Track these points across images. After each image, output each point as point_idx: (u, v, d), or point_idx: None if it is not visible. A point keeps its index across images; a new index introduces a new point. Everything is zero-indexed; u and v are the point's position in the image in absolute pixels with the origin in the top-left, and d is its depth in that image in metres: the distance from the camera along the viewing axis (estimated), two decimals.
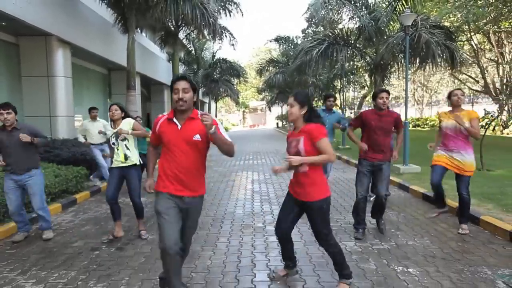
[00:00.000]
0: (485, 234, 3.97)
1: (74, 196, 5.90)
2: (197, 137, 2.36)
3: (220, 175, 8.43)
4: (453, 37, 11.92)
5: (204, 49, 26.12)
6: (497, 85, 22.62)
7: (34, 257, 3.58)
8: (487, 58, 24.13)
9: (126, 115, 4.16)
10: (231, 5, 18.16)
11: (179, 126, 2.39)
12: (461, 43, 21.84)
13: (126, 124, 4.07)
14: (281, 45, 24.82)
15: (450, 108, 4.17)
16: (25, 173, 3.92)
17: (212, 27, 13.46)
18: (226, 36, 18.98)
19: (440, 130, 4.21)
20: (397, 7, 10.76)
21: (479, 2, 14.77)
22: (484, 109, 7.95)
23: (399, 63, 12.31)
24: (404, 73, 9.03)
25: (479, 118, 4.08)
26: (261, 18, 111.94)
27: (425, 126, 30.30)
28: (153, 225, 4.60)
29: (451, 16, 16.97)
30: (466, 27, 19.14)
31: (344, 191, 6.36)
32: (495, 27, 18.84)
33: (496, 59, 21.85)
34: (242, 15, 17.28)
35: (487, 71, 22.80)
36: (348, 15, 12.54)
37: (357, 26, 12.17)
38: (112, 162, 4.08)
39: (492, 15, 17.32)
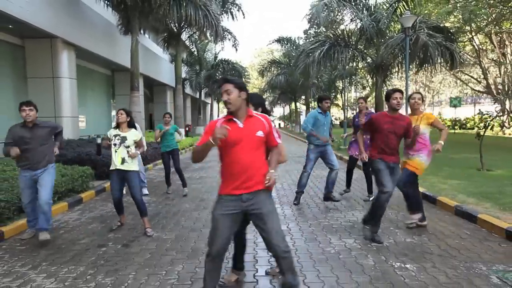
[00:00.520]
0: (482, 232, 4.06)
1: (80, 195, 6.03)
2: (260, 133, 2.33)
3: None
4: (453, 38, 12.00)
5: (206, 50, 26.28)
6: (499, 86, 22.63)
7: (43, 253, 3.71)
8: (489, 59, 24.14)
9: (131, 119, 4.44)
10: (233, 6, 18.28)
11: (241, 125, 2.32)
12: (462, 43, 21.89)
13: (133, 136, 4.36)
14: (283, 46, 24.93)
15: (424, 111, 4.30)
16: (42, 168, 4.02)
17: (215, 28, 13.60)
18: (229, 39, 19.13)
19: None
20: (398, 8, 10.85)
21: (480, 4, 14.84)
22: (479, 110, 7.99)
23: (399, 64, 12.40)
24: (404, 74, 9.13)
25: (436, 118, 4.23)
26: (263, 19, 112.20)
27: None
28: (157, 223, 4.72)
29: (451, 16, 17.03)
30: (468, 27, 19.19)
31: (352, 191, 6.45)
32: (497, 27, 18.87)
33: (498, 59, 21.87)
34: (244, 17, 17.40)
35: (488, 72, 22.81)
36: (349, 16, 12.66)
37: (358, 27, 12.27)
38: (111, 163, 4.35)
39: (493, 15, 17.37)
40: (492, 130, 8.47)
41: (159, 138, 6.42)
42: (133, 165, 4.31)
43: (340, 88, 24.95)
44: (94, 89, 15.05)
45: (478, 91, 27.48)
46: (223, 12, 18.53)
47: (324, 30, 19.64)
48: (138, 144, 4.42)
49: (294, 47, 23.66)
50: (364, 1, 12.24)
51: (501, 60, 21.21)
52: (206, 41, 24.79)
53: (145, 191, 6.46)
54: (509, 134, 19.73)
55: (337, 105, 32.98)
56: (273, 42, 24.46)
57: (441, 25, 12.17)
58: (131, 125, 4.42)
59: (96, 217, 5.07)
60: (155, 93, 22.74)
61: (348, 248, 3.67)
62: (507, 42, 20.95)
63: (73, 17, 10.55)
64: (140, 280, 3.03)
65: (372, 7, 12.39)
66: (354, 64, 14.42)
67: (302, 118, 29.81)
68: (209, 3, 13.32)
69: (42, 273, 3.21)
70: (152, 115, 22.91)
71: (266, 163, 2.42)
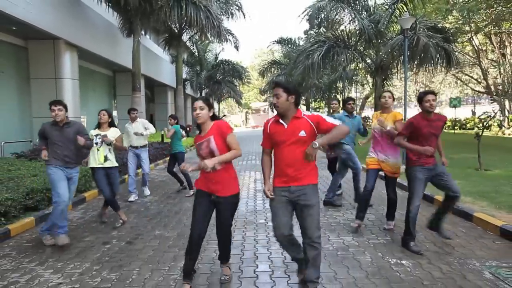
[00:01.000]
0: (477, 230, 4.15)
1: (83, 195, 6.14)
2: (302, 133, 2.57)
3: None
4: (451, 38, 12.11)
5: (207, 51, 26.38)
6: (499, 87, 22.71)
7: (49, 250, 3.81)
8: (489, 59, 24.22)
9: (112, 120, 4.86)
10: (234, 7, 18.38)
11: (286, 126, 2.62)
12: (462, 44, 21.97)
13: (113, 134, 4.74)
14: (284, 47, 25.01)
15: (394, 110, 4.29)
16: (74, 167, 4.07)
17: (217, 28, 13.69)
18: (229, 40, 19.22)
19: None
20: (397, 9, 10.95)
21: (478, 4, 14.94)
22: (472, 110, 8.02)
23: (398, 65, 12.50)
24: (403, 74, 9.22)
25: (402, 120, 4.19)
26: (264, 19, 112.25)
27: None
28: (159, 221, 4.82)
29: (450, 16, 17.13)
30: (467, 28, 19.28)
31: (344, 191, 6.54)
32: (496, 28, 18.95)
33: (498, 60, 21.94)
34: (244, 17, 17.50)
35: (488, 72, 22.89)
36: (348, 18, 12.75)
37: (356, 28, 12.37)
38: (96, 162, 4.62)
39: (493, 16, 17.46)
40: (489, 130, 8.56)
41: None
42: (115, 162, 4.74)
43: (340, 88, 25.03)
44: (95, 90, 15.16)
45: (478, 91, 27.54)
46: (223, 13, 18.64)
47: (325, 31, 19.75)
48: (117, 141, 4.80)
49: (294, 48, 23.75)
50: (363, 3, 12.32)
51: (501, 60, 21.28)
52: (207, 41, 24.88)
53: (147, 191, 6.54)
54: (509, 134, 19.80)
55: (338, 105, 33.22)
56: (274, 43, 24.53)
57: (439, 25, 12.26)
58: (111, 125, 4.83)
59: (99, 216, 5.17)
60: (156, 93, 22.85)
61: (346, 246, 3.76)
62: (506, 43, 21.03)
63: (75, 19, 10.67)
64: (144, 275, 3.13)
65: (372, 8, 12.49)
66: (354, 65, 14.53)
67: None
68: (210, 4, 13.43)
69: (49, 268, 3.31)
70: (153, 116, 23.02)
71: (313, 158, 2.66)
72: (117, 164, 4.80)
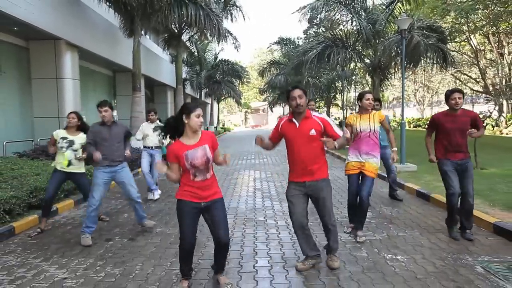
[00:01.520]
0: None
1: None
2: (313, 132, 2.94)
3: (224, 173, 8.79)
4: (448, 38, 12.23)
5: (206, 51, 26.46)
6: (496, 86, 22.83)
7: (53, 246, 3.90)
8: (487, 59, 24.34)
9: (82, 123, 4.50)
10: (233, 8, 18.45)
11: (297, 125, 2.99)
12: (459, 43, 22.07)
13: (81, 139, 4.40)
14: (283, 47, 25.11)
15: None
16: (119, 164, 4.18)
17: (217, 27, 13.75)
18: (229, 40, 19.30)
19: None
20: (394, 10, 11.05)
21: (474, 5, 15.06)
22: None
23: (396, 65, 12.60)
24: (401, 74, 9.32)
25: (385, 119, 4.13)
26: (263, 19, 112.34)
27: (426, 126, 30.49)
28: (161, 219, 4.91)
29: (446, 16, 17.25)
30: (465, 27, 19.38)
31: (342, 188, 6.65)
32: (494, 28, 19.06)
33: (496, 59, 22.07)
34: (244, 19, 17.57)
35: (485, 72, 23.02)
36: (345, 18, 12.84)
37: (355, 28, 12.46)
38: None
39: (491, 16, 17.57)
40: (484, 129, 8.62)
41: None
42: (80, 168, 4.48)
43: (340, 88, 25.13)
44: (96, 90, 15.24)
45: (477, 91, 27.66)
46: (223, 13, 18.70)
47: (324, 31, 19.85)
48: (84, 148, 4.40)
49: (293, 47, 23.85)
50: (361, 3, 12.41)
51: (499, 60, 21.41)
52: (207, 41, 24.99)
53: (157, 195, 6.29)
54: (507, 134, 19.91)
55: (337, 105, 33.23)
56: (273, 44, 24.63)
57: (435, 25, 12.36)
58: (81, 128, 4.47)
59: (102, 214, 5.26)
60: (155, 93, 22.91)
61: (343, 242, 3.86)
62: (504, 43, 21.14)
63: (76, 19, 10.73)
64: (147, 270, 3.23)
65: (370, 8, 12.58)
66: (353, 65, 14.61)
67: None
68: (209, 2, 13.49)
69: (54, 264, 3.40)
70: None
71: (323, 155, 3.08)
72: (83, 171, 4.51)
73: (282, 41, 24.11)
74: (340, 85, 24.71)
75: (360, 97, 4.01)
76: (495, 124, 18.62)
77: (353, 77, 24.40)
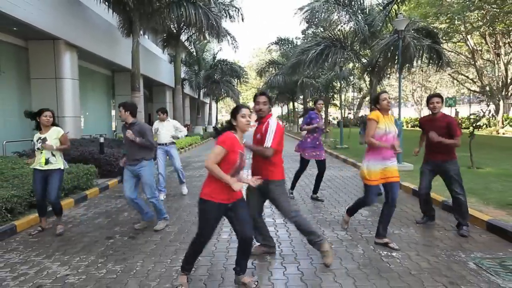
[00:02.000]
0: None
1: (85, 192, 6.28)
2: (258, 136, 3.27)
3: None
4: (443, 39, 12.35)
5: (205, 51, 26.50)
6: (493, 86, 22.99)
7: (55, 244, 3.96)
8: (484, 59, 24.50)
9: (54, 121, 4.44)
10: (232, 9, 18.49)
11: (256, 128, 3.36)
12: (455, 44, 22.20)
13: (54, 134, 4.30)
14: (281, 47, 25.19)
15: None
16: (137, 163, 4.29)
17: (216, 26, 13.80)
18: (228, 40, 19.35)
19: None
20: (391, 11, 11.15)
21: (466, 6, 15.22)
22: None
23: (392, 66, 12.70)
24: (398, 74, 9.40)
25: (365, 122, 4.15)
26: (262, 18, 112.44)
27: None
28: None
29: (440, 17, 17.40)
30: (462, 27, 19.52)
31: (339, 187, 6.73)
32: (490, 28, 19.21)
33: (493, 59, 22.22)
34: (243, 20, 17.60)
35: (482, 72, 23.18)
36: (343, 19, 12.93)
37: (352, 29, 12.56)
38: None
39: (487, 17, 17.70)
40: (478, 130, 8.74)
41: None
42: (58, 164, 4.31)
43: (338, 88, 25.22)
44: (95, 90, 15.29)
45: (474, 91, 27.84)
46: (223, 13, 18.73)
47: (322, 31, 19.92)
48: (61, 141, 4.34)
49: (292, 47, 23.92)
50: (358, 4, 12.50)
51: (496, 61, 21.56)
52: (205, 41, 25.02)
53: (185, 189, 6.34)
54: (503, 134, 20.07)
55: (335, 105, 33.40)
56: (272, 44, 24.71)
57: (430, 26, 12.48)
58: (53, 124, 4.40)
59: (102, 213, 5.33)
60: (154, 93, 22.96)
61: (340, 239, 3.94)
62: (501, 43, 21.30)
63: (75, 19, 10.78)
64: (148, 267, 3.29)
65: (367, 9, 12.67)
66: (351, 65, 14.69)
67: (301, 119, 30.02)
68: (208, 2, 13.55)
69: (56, 261, 3.47)
70: (151, 115, 23.13)
71: (274, 157, 3.21)
72: (61, 167, 4.34)
73: (280, 41, 24.20)
74: (338, 85, 24.85)
75: (376, 99, 3.73)
76: (488, 123, 18.77)
77: (351, 78, 24.52)
